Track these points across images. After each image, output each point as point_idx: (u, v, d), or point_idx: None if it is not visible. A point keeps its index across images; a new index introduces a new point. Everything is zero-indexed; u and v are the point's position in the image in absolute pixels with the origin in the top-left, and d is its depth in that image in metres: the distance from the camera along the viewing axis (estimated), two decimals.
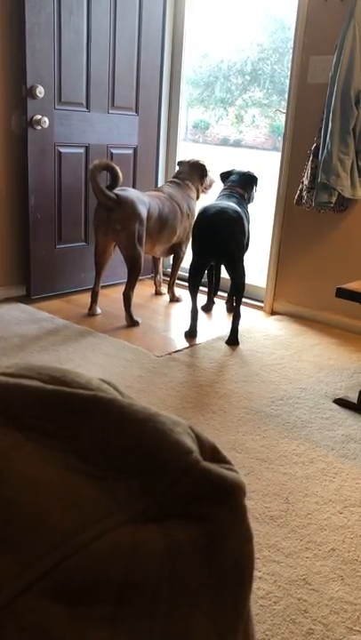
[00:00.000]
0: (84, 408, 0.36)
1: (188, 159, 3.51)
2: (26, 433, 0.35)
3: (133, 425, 0.36)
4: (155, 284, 3.70)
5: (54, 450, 0.35)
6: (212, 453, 0.38)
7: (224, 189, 3.13)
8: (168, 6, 3.65)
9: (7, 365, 0.40)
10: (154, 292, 3.71)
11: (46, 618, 0.29)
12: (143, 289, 3.73)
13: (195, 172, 3.46)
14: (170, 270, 3.71)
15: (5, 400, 0.36)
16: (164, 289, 3.71)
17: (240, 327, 2.96)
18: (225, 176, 3.23)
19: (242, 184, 3.12)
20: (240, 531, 0.36)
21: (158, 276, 3.68)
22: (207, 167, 3.50)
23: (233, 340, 2.90)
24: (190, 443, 0.36)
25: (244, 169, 3.24)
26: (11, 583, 0.29)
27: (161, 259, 3.67)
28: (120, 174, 2.99)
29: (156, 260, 3.65)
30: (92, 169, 2.89)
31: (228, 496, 0.35)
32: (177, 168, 3.57)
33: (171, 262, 3.70)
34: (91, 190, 3.45)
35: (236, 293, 2.88)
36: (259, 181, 3.21)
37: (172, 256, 3.57)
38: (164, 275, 3.97)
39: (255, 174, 3.20)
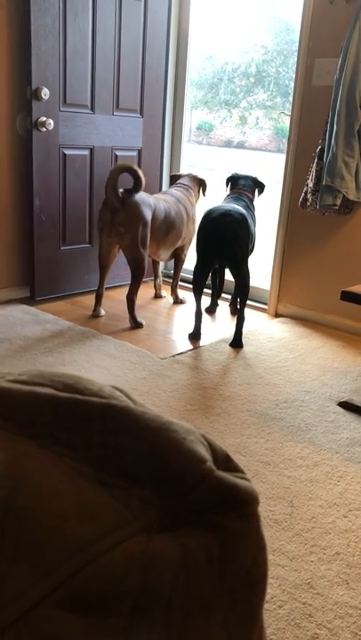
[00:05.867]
0: (97, 416, 0.36)
1: (185, 173, 3.57)
2: (39, 441, 0.35)
3: (147, 433, 0.36)
4: (155, 287, 3.70)
5: (68, 458, 0.35)
6: (225, 462, 0.38)
7: (232, 192, 3.15)
8: (173, 8, 3.66)
9: (20, 372, 0.40)
10: (154, 295, 3.71)
11: (62, 628, 0.29)
12: (146, 291, 3.73)
13: (196, 183, 3.53)
14: (171, 272, 3.71)
15: (19, 408, 0.36)
16: (164, 292, 3.71)
17: (244, 329, 2.95)
18: (232, 181, 3.24)
19: (251, 189, 3.18)
20: (253, 539, 0.36)
21: (158, 280, 3.68)
22: (206, 184, 3.59)
23: (237, 343, 2.90)
24: (204, 451, 0.36)
25: (250, 173, 3.27)
26: (26, 593, 0.29)
27: (160, 262, 3.66)
28: (142, 177, 2.96)
29: (155, 264, 3.65)
30: (116, 166, 2.90)
31: (242, 505, 0.35)
32: (182, 174, 3.59)
33: (170, 265, 3.70)
34: (95, 192, 3.45)
35: (241, 295, 2.88)
36: (265, 189, 3.26)
37: (173, 259, 3.57)
38: (167, 277, 3.97)
39: (263, 182, 3.25)
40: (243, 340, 2.93)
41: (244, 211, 2.87)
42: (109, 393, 0.40)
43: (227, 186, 3.26)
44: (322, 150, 2.94)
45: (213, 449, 0.38)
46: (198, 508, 0.34)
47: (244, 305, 2.88)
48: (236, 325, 2.90)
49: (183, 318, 3.31)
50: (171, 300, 3.62)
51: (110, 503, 0.33)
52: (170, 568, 0.32)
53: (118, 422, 0.36)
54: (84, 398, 0.37)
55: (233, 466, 0.38)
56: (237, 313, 2.92)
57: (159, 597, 0.31)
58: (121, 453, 0.35)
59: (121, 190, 2.96)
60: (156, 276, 3.68)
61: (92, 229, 3.54)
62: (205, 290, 3.06)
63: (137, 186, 2.97)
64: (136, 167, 2.96)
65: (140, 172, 2.95)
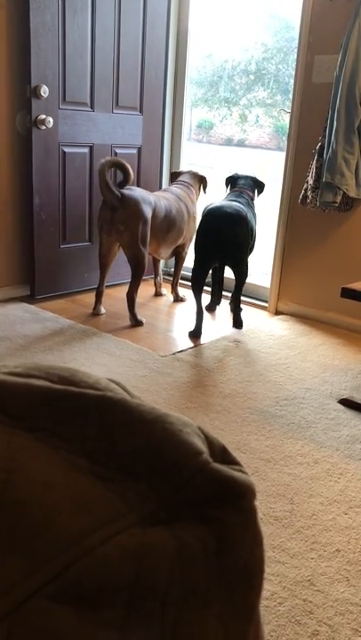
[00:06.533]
0: (92, 408, 0.36)
1: (185, 170, 3.56)
2: (34, 434, 0.35)
3: (142, 426, 0.35)
4: (155, 285, 3.69)
5: (63, 451, 0.35)
6: (222, 454, 0.37)
7: (233, 190, 3.15)
8: (172, 6, 3.65)
9: (15, 365, 0.40)
10: (154, 293, 3.71)
11: (55, 621, 0.29)
12: (146, 289, 3.72)
13: (196, 180, 3.52)
14: (171, 270, 3.70)
15: (14, 400, 0.36)
16: (165, 290, 3.71)
17: (244, 328, 2.96)
18: (232, 181, 3.24)
19: (251, 188, 3.18)
20: (250, 533, 0.36)
21: (158, 278, 3.67)
22: (207, 181, 3.57)
23: (238, 324, 2.93)
24: (200, 444, 0.36)
25: (250, 173, 3.27)
26: (19, 586, 0.29)
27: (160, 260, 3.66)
28: (131, 172, 2.99)
29: (155, 262, 3.64)
30: (102, 163, 2.88)
31: (239, 498, 0.35)
32: (182, 171, 3.57)
33: (170, 262, 3.70)
34: (95, 190, 3.45)
35: (238, 283, 2.94)
36: (265, 188, 3.26)
37: (173, 257, 3.56)
38: (167, 275, 3.97)
39: (263, 182, 3.25)
40: (243, 337, 2.94)
41: (244, 208, 2.87)
42: (105, 385, 0.39)
43: (226, 186, 3.26)
44: (322, 147, 2.94)
45: (210, 441, 0.37)
46: (194, 500, 0.34)
47: (241, 288, 2.94)
48: (234, 307, 2.92)
49: (183, 316, 3.31)
50: (171, 297, 3.61)
51: (105, 496, 0.33)
52: (165, 561, 0.31)
53: (114, 414, 0.36)
54: (79, 390, 0.37)
55: (230, 458, 0.37)
56: (234, 296, 2.94)
57: (154, 591, 0.31)
58: (116, 446, 0.35)
59: (120, 189, 2.96)
60: (156, 274, 3.67)
61: (91, 227, 3.54)
62: (206, 288, 3.06)
63: (126, 180, 2.98)
64: (123, 161, 2.98)
65: (128, 166, 2.97)
